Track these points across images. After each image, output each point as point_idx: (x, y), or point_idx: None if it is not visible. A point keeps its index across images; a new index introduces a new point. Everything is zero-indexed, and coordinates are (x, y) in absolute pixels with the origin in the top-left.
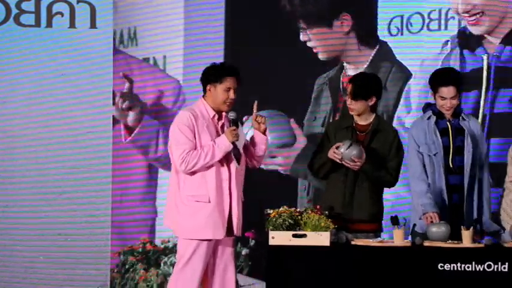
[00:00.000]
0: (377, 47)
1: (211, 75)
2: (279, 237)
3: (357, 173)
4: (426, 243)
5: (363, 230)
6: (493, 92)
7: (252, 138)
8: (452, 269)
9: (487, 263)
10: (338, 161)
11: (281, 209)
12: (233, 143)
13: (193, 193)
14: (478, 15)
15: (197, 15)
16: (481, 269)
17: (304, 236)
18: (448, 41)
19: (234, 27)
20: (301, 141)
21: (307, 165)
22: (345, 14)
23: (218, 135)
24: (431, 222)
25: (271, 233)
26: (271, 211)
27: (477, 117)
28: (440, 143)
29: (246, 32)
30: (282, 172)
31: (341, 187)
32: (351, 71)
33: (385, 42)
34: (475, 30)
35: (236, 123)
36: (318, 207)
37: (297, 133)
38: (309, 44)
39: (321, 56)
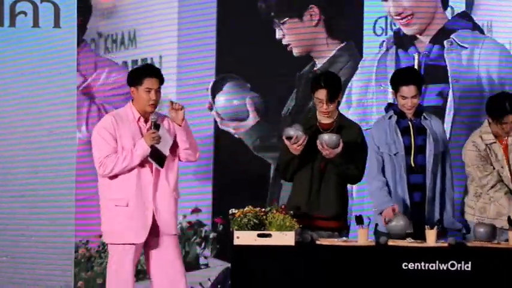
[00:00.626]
0: (344, 43)
1: (132, 78)
2: (243, 237)
3: (323, 170)
4: (390, 243)
5: (328, 227)
6: (423, 87)
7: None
8: (416, 268)
9: (451, 262)
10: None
11: (246, 208)
12: (153, 146)
13: (112, 197)
14: (408, 17)
15: (190, 15)
16: (445, 268)
17: (269, 235)
18: (384, 41)
19: (226, 27)
20: (252, 118)
21: (275, 168)
22: (312, 6)
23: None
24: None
25: (236, 233)
26: (236, 211)
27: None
28: (401, 142)
29: (237, 31)
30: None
31: (307, 184)
32: (319, 66)
33: (352, 41)
34: (407, 31)
35: (157, 126)
36: (283, 206)
37: (250, 109)
38: (284, 41)
39: (295, 52)
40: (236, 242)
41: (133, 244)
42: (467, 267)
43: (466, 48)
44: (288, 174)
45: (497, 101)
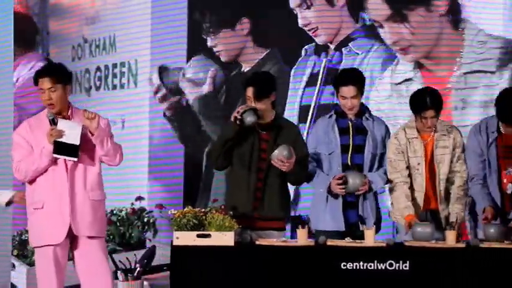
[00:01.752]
0: (268, 50)
1: (33, 82)
2: (183, 238)
3: (261, 169)
4: (329, 243)
5: (269, 228)
6: (322, 87)
7: None
8: (354, 267)
9: (389, 262)
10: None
11: (185, 209)
12: (56, 141)
13: (31, 201)
14: (313, 29)
15: (162, 21)
16: (383, 268)
17: (208, 236)
18: (306, 48)
19: (195, 31)
20: (207, 86)
21: (206, 153)
22: (244, 18)
23: None
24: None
25: (176, 234)
26: (176, 211)
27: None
28: (338, 142)
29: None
30: None
31: (245, 184)
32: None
33: (275, 47)
34: (317, 40)
35: (53, 121)
36: (222, 207)
37: (209, 78)
38: (215, 48)
39: (223, 58)
40: (175, 242)
41: (51, 245)
42: (405, 266)
43: (358, 54)
44: (220, 159)
45: (419, 95)
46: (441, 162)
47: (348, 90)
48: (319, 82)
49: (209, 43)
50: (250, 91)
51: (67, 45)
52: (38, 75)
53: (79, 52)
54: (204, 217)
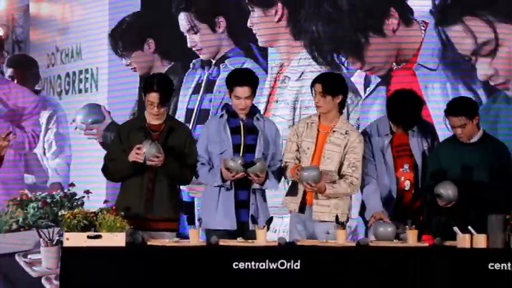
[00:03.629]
0: (172, 63)
1: None
2: (73, 239)
3: (151, 170)
4: (221, 243)
5: (161, 228)
6: (204, 94)
7: None
8: (246, 267)
9: (280, 261)
10: (141, 161)
11: (76, 210)
12: None
13: None
14: (199, 49)
15: None
16: (275, 267)
17: (99, 237)
18: (194, 62)
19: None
20: (108, 119)
21: (101, 169)
22: (150, 40)
23: None
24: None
25: (66, 235)
26: (66, 212)
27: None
28: (230, 141)
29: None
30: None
31: (138, 186)
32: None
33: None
34: (202, 57)
35: None
36: (113, 207)
37: (105, 113)
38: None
39: (138, 72)
40: (66, 243)
41: None
42: (297, 266)
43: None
44: (117, 179)
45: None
46: (329, 158)
47: (243, 91)
48: (201, 90)
49: (124, 62)
50: (154, 97)
51: (43, 54)
52: None
53: (52, 60)
54: (94, 218)
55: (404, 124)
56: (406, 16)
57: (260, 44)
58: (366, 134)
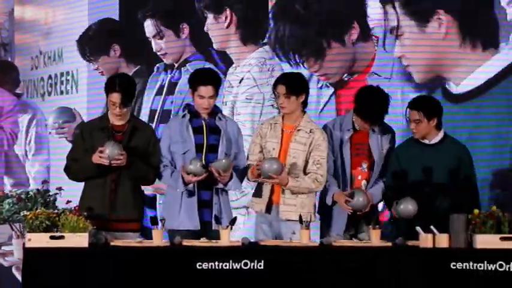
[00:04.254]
0: (138, 67)
1: None
2: (35, 239)
3: (115, 171)
4: (185, 243)
5: (125, 229)
6: (166, 96)
7: None
8: (210, 267)
9: (244, 261)
10: (106, 163)
11: (38, 210)
12: None
13: None
14: (163, 54)
15: None
16: (238, 267)
17: (61, 237)
18: (158, 66)
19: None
20: (78, 118)
21: (63, 169)
22: (115, 45)
23: None
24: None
25: (28, 235)
26: (28, 213)
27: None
28: (193, 141)
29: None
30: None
31: (101, 186)
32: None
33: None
34: (166, 61)
35: None
36: (76, 208)
37: (76, 114)
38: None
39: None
40: (28, 244)
41: None
42: (260, 266)
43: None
44: (81, 178)
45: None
46: (295, 157)
47: (207, 90)
48: (164, 92)
49: (92, 67)
50: (116, 97)
51: (28, 57)
52: None
53: (36, 62)
54: (57, 218)
55: (372, 119)
56: (366, 32)
57: (215, 47)
58: (326, 128)
